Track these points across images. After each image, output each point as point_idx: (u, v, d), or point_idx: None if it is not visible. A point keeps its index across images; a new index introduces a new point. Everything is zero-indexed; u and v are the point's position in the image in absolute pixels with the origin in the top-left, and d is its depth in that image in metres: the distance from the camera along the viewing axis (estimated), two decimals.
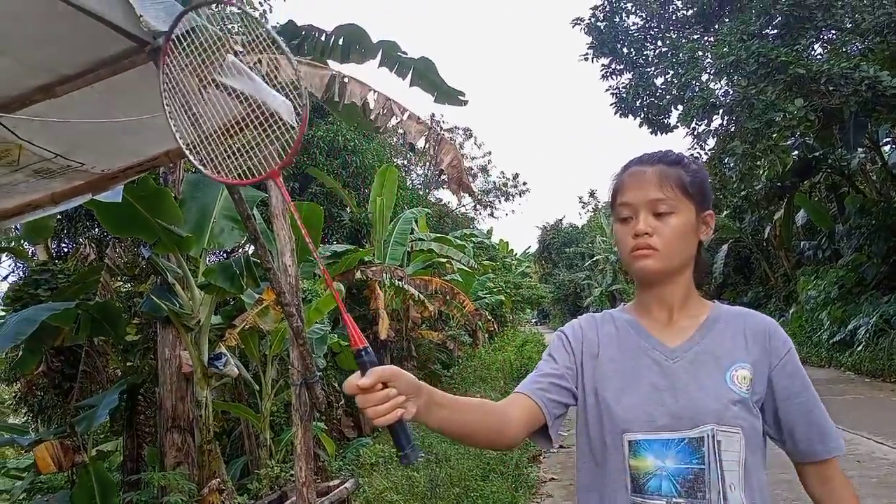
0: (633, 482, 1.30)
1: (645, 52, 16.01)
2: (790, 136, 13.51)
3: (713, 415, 1.27)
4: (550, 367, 1.43)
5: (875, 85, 10.86)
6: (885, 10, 11.22)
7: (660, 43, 15.95)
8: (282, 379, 7.09)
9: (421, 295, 11.42)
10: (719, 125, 14.74)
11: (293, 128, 1.33)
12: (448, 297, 12.77)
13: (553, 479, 7.28)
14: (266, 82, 2.10)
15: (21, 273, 9.44)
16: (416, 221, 14.19)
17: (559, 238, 51.97)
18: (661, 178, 1.35)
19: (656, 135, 16.44)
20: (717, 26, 15.01)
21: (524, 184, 41.15)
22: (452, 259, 14.95)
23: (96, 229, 9.06)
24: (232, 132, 1.47)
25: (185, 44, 1.44)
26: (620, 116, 16.28)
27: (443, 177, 5.58)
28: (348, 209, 13.42)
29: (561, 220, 54.64)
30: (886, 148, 15.89)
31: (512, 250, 36.85)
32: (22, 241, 8.80)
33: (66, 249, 9.64)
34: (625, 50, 16.06)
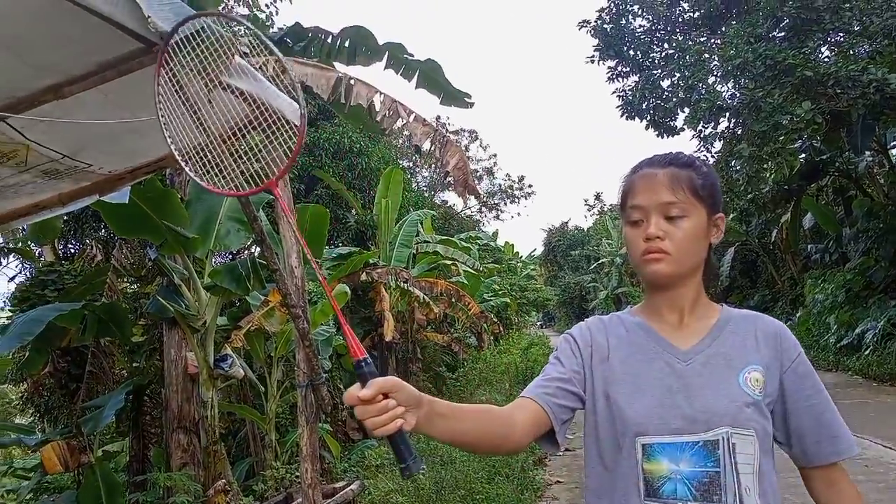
0: (646, 486, 1.29)
1: (651, 55, 16.00)
2: (797, 139, 13.47)
3: (728, 417, 1.26)
4: (557, 370, 1.41)
5: (883, 88, 10.82)
6: (894, 12, 11.18)
7: (666, 45, 15.94)
8: (287, 380, 7.10)
9: (426, 297, 11.41)
10: (726, 128, 14.71)
11: (291, 138, 1.32)
12: (453, 300, 12.76)
13: (559, 481, 7.26)
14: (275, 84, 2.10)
15: (28, 274, 9.48)
16: (422, 223, 14.21)
17: (565, 241, 51.89)
18: (673, 181, 1.34)
19: (662, 137, 16.43)
20: (723, 29, 14.97)
21: (530, 186, 41.03)
22: (458, 261, 14.94)
23: (103, 230, 9.10)
24: (230, 141, 1.47)
25: (189, 47, 1.45)
26: (627, 119, 16.27)
27: (448, 179, 5.58)
28: (354, 211, 13.43)
29: (566, 222, 54.60)
30: (894, 151, 15.82)
31: (517, 253, 36.84)
32: (29, 242, 8.84)
33: (72, 250, 9.68)
34: (631, 52, 16.06)
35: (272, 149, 1.35)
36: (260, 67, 2.54)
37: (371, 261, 10.97)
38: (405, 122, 5.10)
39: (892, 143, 15.56)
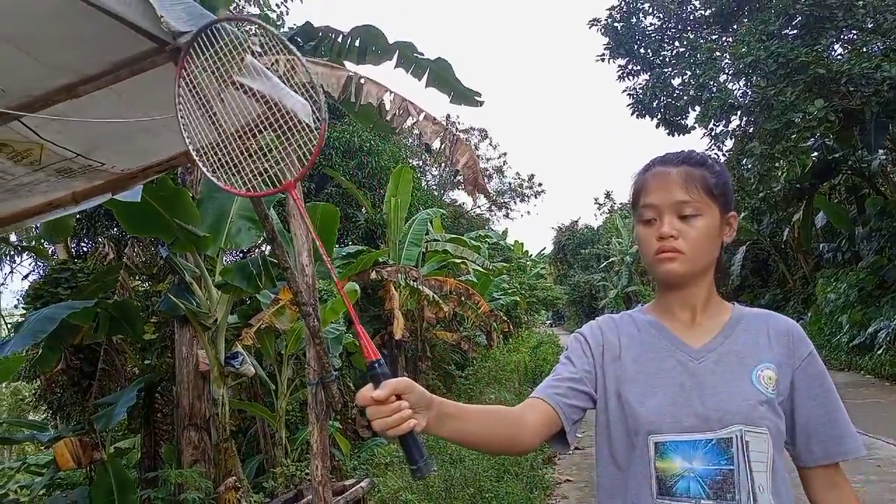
0: (659, 484, 1.28)
1: (662, 53, 15.91)
2: (810, 137, 13.37)
3: (741, 415, 1.26)
4: (568, 370, 1.41)
5: None
6: None
7: (677, 43, 15.84)
8: (297, 378, 7.13)
9: (436, 295, 11.42)
10: (737, 126, 14.62)
11: (311, 140, 1.33)
12: (463, 298, 12.76)
13: (568, 480, 7.25)
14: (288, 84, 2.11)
15: (41, 272, 9.57)
16: (431, 222, 14.20)
17: (574, 239, 51.75)
18: (687, 180, 1.33)
19: (673, 136, 16.35)
20: (735, 26, 14.88)
21: (539, 185, 40.92)
22: (467, 260, 14.94)
23: (115, 229, 9.16)
24: (247, 142, 1.48)
25: (204, 49, 1.45)
26: (637, 117, 16.20)
27: (458, 177, 5.58)
28: (364, 210, 13.45)
29: (576, 221, 54.43)
30: None
31: (527, 251, 36.78)
32: (42, 241, 8.92)
33: (85, 249, 9.75)
34: (642, 51, 15.97)
35: (291, 150, 1.35)
36: (272, 66, 2.55)
37: (381, 259, 10.99)
38: (415, 120, 5.11)
39: None
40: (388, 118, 5.38)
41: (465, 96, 6.84)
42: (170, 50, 1.94)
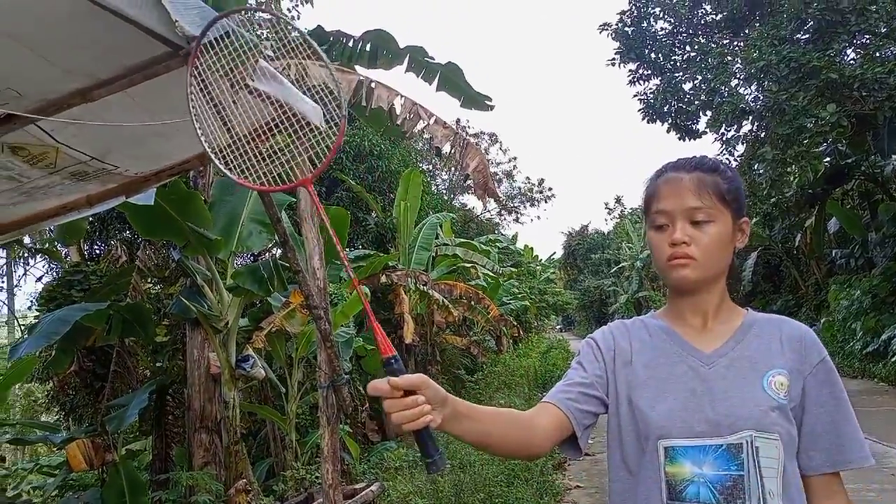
0: (669, 489, 1.28)
1: (673, 58, 15.87)
2: (822, 142, 13.30)
3: (752, 421, 1.26)
4: (579, 375, 1.41)
5: None
6: None
7: (688, 48, 15.80)
8: (307, 381, 7.14)
9: (445, 300, 11.42)
10: (749, 131, 14.56)
11: (331, 135, 1.34)
12: (473, 303, 12.76)
13: (578, 486, 7.22)
14: (300, 88, 2.12)
15: (55, 274, 9.64)
16: (441, 226, 14.22)
17: (585, 244, 51.61)
18: (700, 186, 1.33)
19: (684, 140, 16.29)
20: (747, 31, 14.83)
21: (549, 189, 40.87)
22: (477, 264, 14.94)
23: (127, 232, 9.22)
24: (264, 138, 1.49)
25: (218, 48, 1.47)
26: (648, 122, 16.15)
27: (468, 182, 5.59)
28: (374, 214, 13.48)
29: (587, 226, 54.26)
30: None
31: (537, 256, 36.70)
32: (55, 243, 9.00)
33: (98, 251, 9.82)
34: (652, 55, 15.94)
35: (308, 147, 1.36)
36: (284, 70, 2.57)
37: (391, 263, 11.01)
38: (426, 124, 5.12)
39: None
40: (398, 122, 5.40)
41: (476, 101, 6.85)
42: (183, 54, 1.96)
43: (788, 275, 21.94)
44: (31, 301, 11.01)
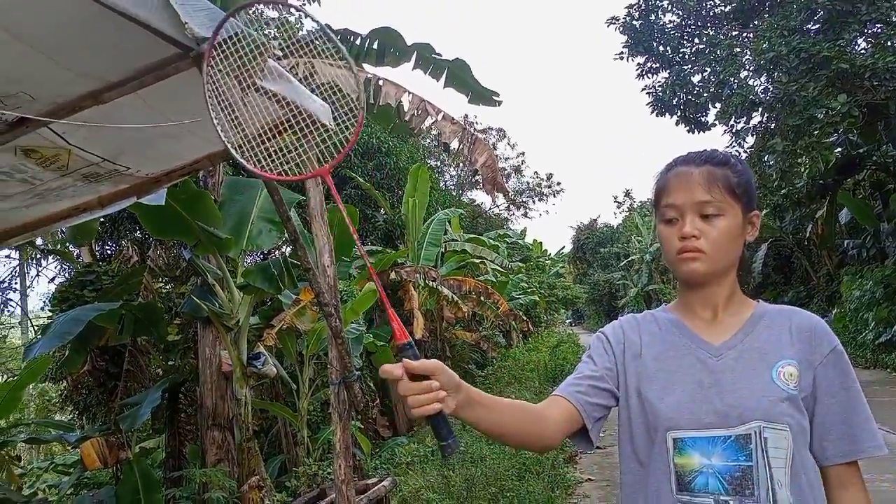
0: (678, 480, 1.29)
1: (681, 50, 15.80)
2: (833, 133, 13.20)
3: (760, 411, 1.26)
4: (589, 368, 1.43)
5: None
6: None
7: (697, 40, 15.73)
8: (318, 378, 7.17)
9: (455, 295, 11.44)
10: (759, 122, 14.48)
11: (350, 125, 1.35)
12: (482, 298, 12.77)
13: (589, 479, 7.23)
14: (309, 86, 2.13)
15: (67, 274, 9.72)
16: (450, 222, 14.23)
17: (594, 238, 51.49)
18: (709, 180, 1.34)
19: (693, 133, 16.22)
20: (756, 22, 14.73)
21: (558, 184, 40.75)
22: (486, 259, 14.94)
23: (138, 232, 9.28)
24: (281, 130, 1.50)
25: (229, 47, 1.48)
26: (657, 115, 16.09)
27: (477, 177, 5.60)
28: (382, 210, 13.51)
29: (595, 219, 54.13)
30: None
31: (546, 250, 36.65)
32: (67, 244, 9.06)
33: (109, 251, 9.89)
34: (661, 48, 15.87)
35: (326, 137, 1.37)
36: (292, 69, 2.58)
37: (400, 260, 11.04)
38: (434, 120, 5.13)
39: None
40: (406, 118, 5.41)
41: (483, 96, 6.85)
42: (193, 55, 1.97)
43: (800, 266, 21.82)
44: (45, 301, 11.12)
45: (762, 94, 13.53)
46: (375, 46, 6.77)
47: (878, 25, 12.31)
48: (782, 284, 22.62)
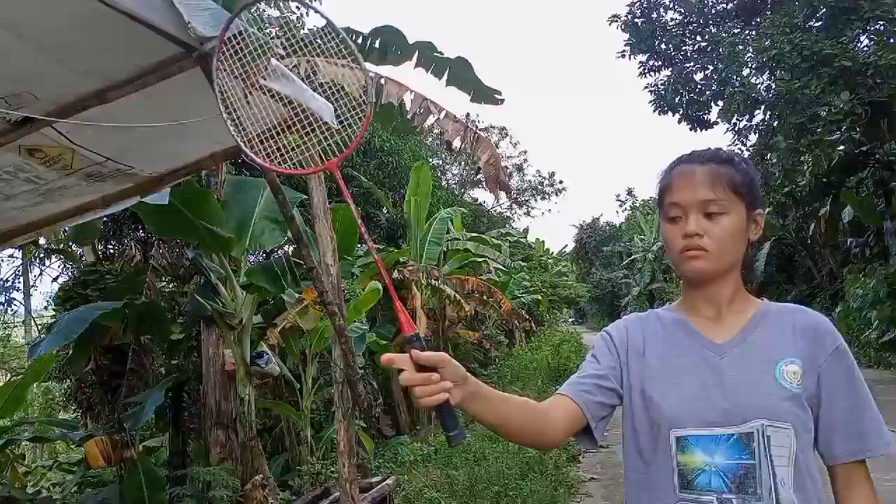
0: (681, 478, 1.30)
1: (684, 48, 15.79)
2: (836, 131, 13.17)
3: (763, 410, 1.26)
4: (593, 367, 1.43)
5: None
6: None
7: (699, 38, 15.70)
8: (321, 377, 7.18)
9: (457, 294, 11.44)
10: (761, 121, 14.47)
11: (358, 119, 1.36)
12: (485, 297, 12.77)
13: (593, 478, 7.23)
14: (312, 84, 2.13)
15: (70, 274, 9.73)
16: (452, 221, 14.22)
17: (596, 237, 51.43)
18: (713, 179, 1.34)
19: (696, 131, 16.21)
20: (758, 20, 14.71)
21: (560, 182, 40.69)
22: (488, 258, 14.94)
23: (141, 231, 9.28)
24: (288, 126, 1.51)
25: (238, 46, 1.49)
26: (659, 114, 16.07)
27: (479, 175, 5.60)
28: (385, 209, 13.51)
29: (598, 218, 54.05)
30: None
31: (548, 249, 36.66)
32: (70, 244, 9.07)
33: (112, 251, 9.89)
34: (663, 46, 15.86)
35: (335, 131, 1.38)
36: (294, 68, 2.58)
37: (402, 259, 11.04)
38: (436, 118, 5.13)
39: None
40: (409, 117, 5.40)
41: (486, 94, 6.83)
42: (196, 55, 1.98)
43: (802, 265, 21.76)
44: (48, 301, 11.12)
45: (765, 91, 13.52)
46: (377, 45, 6.76)
47: (881, 23, 12.29)
48: (785, 283, 22.56)
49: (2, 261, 11.02)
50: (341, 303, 3.15)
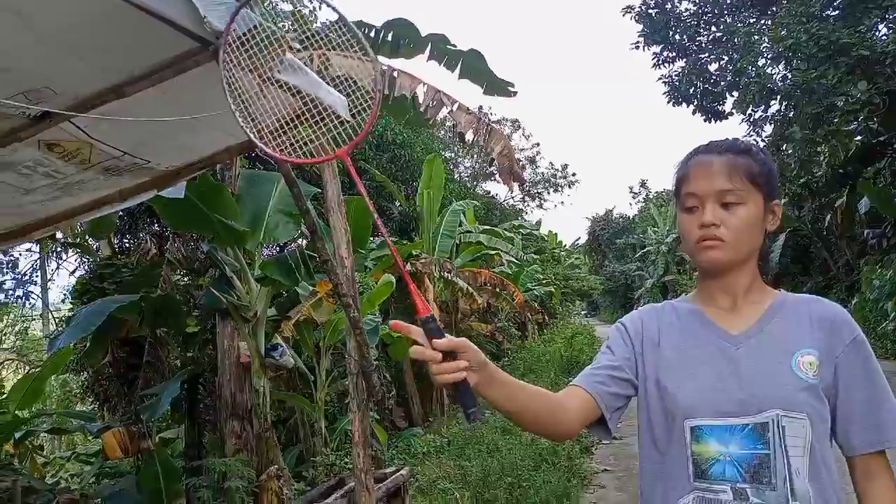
0: (695, 468, 1.30)
1: (698, 39, 15.66)
2: (853, 121, 13.02)
3: (779, 400, 1.26)
4: (608, 359, 1.44)
5: None
6: None
7: (714, 28, 15.57)
8: (335, 369, 7.22)
9: (470, 287, 11.45)
10: (777, 111, 14.34)
11: (367, 107, 1.36)
12: (497, 289, 12.77)
13: (606, 469, 7.23)
14: (325, 78, 2.14)
15: (87, 267, 9.83)
16: (465, 213, 14.21)
17: (609, 229, 51.22)
18: (731, 169, 1.33)
19: (710, 122, 16.09)
20: (774, 9, 14.54)
21: (573, 174, 40.46)
22: (501, 251, 14.93)
23: (156, 225, 9.36)
24: (298, 118, 1.52)
25: (249, 40, 1.50)
26: (673, 105, 15.97)
27: (493, 167, 5.59)
28: (397, 202, 13.52)
29: (611, 210, 53.81)
30: None
31: (561, 242, 36.55)
32: (87, 237, 9.17)
33: (128, 245, 9.99)
34: (677, 37, 15.74)
35: (344, 120, 1.39)
36: (307, 60, 2.59)
37: (415, 252, 11.05)
38: (449, 110, 5.12)
39: None
40: (422, 109, 5.40)
41: (499, 87, 6.81)
42: (213, 49, 1.99)
43: (818, 256, 21.57)
44: (65, 294, 11.26)
45: (780, 82, 13.38)
46: (390, 38, 6.76)
47: None
48: (801, 275, 22.36)
49: (20, 255, 11.15)
50: (356, 295, 3.17)
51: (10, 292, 11.74)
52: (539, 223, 31.98)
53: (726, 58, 14.33)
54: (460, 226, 13.66)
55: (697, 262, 1.38)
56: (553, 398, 1.35)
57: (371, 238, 10.41)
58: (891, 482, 1.32)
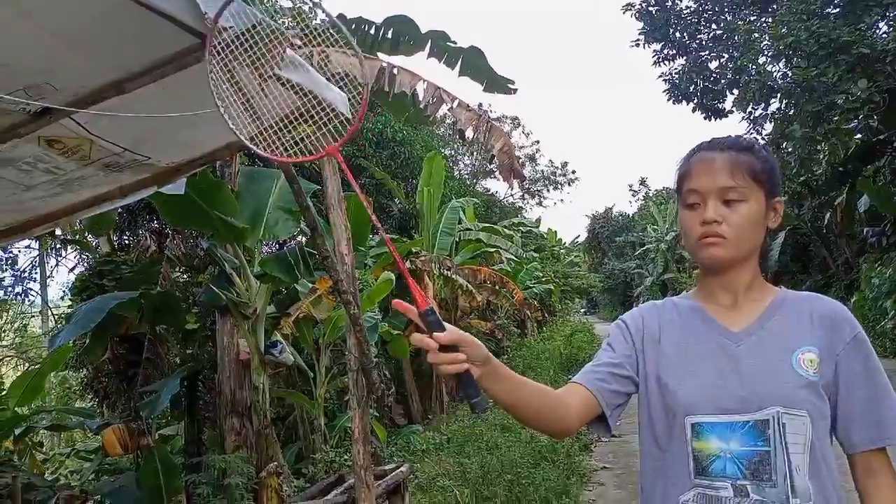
0: (696, 464, 1.30)
1: (699, 36, 15.65)
2: (853, 119, 13.02)
3: (779, 397, 1.26)
4: (608, 356, 1.44)
5: None
6: None
7: (714, 26, 15.56)
8: (335, 366, 7.22)
9: (469, 284, 11.45)
10: (777, 109, 14.35)
11: (355, 104, 1.36)
12: (497, 287, 12.77)
13: (605, 467, 7.24)
14: (321, 71, 2.14)
15: (86, 264, 9.83)
16: (464, 211, 14.21)
17: (609, 227, 51.21)
18: (733, 166, 1.33)
19: (710, 120, 16.09)
20: (774, 6, 14.53)
21: (573, 172, 40.46)
22: (500, 248, 14.93)
23: (156, 222, 9.35)
24: (291, 115, 1.51)
25: (243, 39, 1.49)
26: (674, 103, 15.97)
27: (493, 164, 5.59)
28: (397, 200, 13.51)
29: (611, 208, 53.79)
30: None
31: (560, 239, 36.53)
32: (86, 234, 9.16)
33: (127, 241, 9.98)
34: (677, 34, 15.73)
35: (333, 116, 1.39)
36: (307, 57, 2.59)
37: (414, 249, 11.05)
38: (449, 107, 5.12)
39: None
40: (422, 106, 5.40)
41: (499, 84, 6.81)
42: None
43: (818, 254, 21.57)
44: (64, 291, 11.26)
45: (780, 80, 13.38)
46: (389, 35, 6.75)
47: None
48: (800, 273, 22.37)
49: (19, 251, 11.15)
50: (356, 292, 3.17)
51: (10, 289, 11.74)
52: (539, 221, 31.98)
53: (726, 55, 14.33)
54: (460, 223, 13.65)
55: (699, 258, 1.38)
56: (554, 394, 1.35)
57: (371, 235, 10.42)
58: (892, 479, 1.32)
